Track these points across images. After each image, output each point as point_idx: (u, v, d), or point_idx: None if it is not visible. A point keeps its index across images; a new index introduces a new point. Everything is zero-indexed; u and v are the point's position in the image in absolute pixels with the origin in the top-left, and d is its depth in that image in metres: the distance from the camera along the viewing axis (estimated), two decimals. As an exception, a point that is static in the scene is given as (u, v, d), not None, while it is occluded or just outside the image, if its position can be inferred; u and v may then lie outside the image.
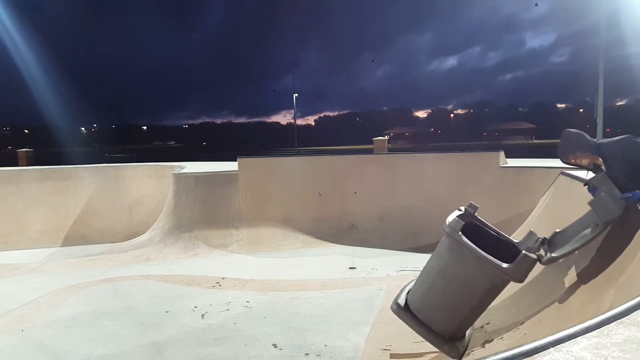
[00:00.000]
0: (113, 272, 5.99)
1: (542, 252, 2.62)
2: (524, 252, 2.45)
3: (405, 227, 7.11)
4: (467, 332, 2.80)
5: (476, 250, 2.48)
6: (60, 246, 8.27)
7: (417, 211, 7.18)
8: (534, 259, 2.45)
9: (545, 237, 2.66)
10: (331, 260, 6.32)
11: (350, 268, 5.89)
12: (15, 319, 4.35)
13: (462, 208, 2.82)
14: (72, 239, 8.47)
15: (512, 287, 3.48)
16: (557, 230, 2.70)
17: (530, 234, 2.66)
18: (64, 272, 6.12)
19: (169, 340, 3.77)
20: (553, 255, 2.54)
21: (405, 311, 2.76)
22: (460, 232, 2.55)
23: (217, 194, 7.55)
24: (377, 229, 7.28)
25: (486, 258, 2.43)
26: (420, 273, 2.88)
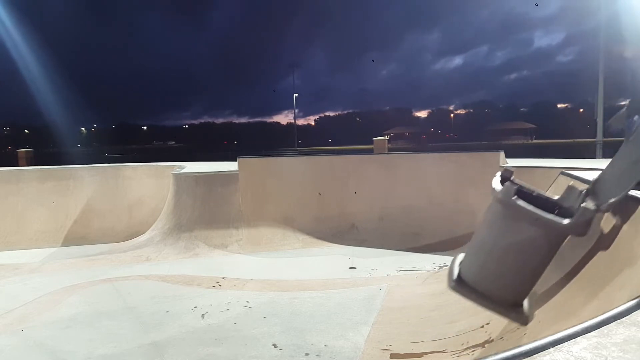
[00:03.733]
0: (113, 272, 5.99)
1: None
2: (583, 205, 2.39)
3: (405, 227, 7.12)
4: (525, 301, 2.72)
5: (534, 212, 2.35)
6: (60, 246, 8.28)
7: (417, 211, 7.19)
8: (593, 210, 2.38)
9: (587, 188, 2.58)
10: (331, 260, 6.32)
11: (350, 268, 5.89)
12: (15, 319, 4.35)
13: (499, 173, 2.76)
14: (72, 239, 8.48)
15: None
16: (593, 179, 2.63)
17: (571, 188, 2.53)
18: (64, 272, 6.12)
19: (169, 340, 3.77)
20: (611, 200, 2.47)
21: (465, 287, 2.69)
22: (515, 196, 2.48)
23: (217, 194, 7.55)
24: (377, 229, 7.28)
25: (546, 218, 2.34)
26: (469, 247, 2.78)
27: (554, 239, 2.43)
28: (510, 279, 2.57)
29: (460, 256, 2.89)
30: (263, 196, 7.66)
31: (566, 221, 2.33)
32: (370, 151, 12.09)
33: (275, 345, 3.57)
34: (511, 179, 2.71)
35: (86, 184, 9.20)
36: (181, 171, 8.12)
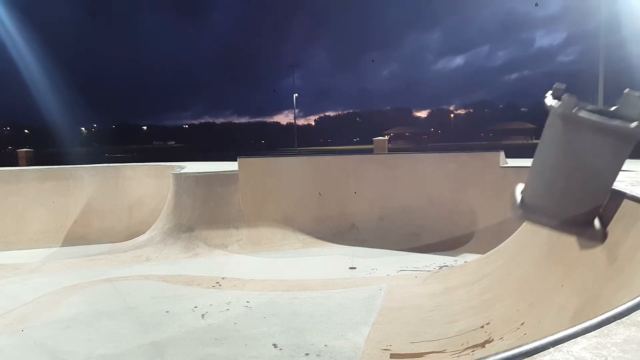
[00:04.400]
0: (113, 272, 5.99)
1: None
2: None
3: (405, 227, 7.12)
4: (597, 220, 2.58)
5: (598, 120, 2.24)
6: (61, 246, 8.28)
7: (417, 211, 7.19)
8: None
9: None
10: (331, 260, 6.32)
11: (350, 268, 5.89)
12: (15, 319, 4.35)
13: (550, 92, 2.64)
14: (72, 239, 8.48)
15: (512, 288, 3.48)
16: None
17: (628, 95, 2.34)
18: (64, 272, 6.12)
19: (169, 340, 3.77)
20: None
21: (534, 213, 2.56)
22: (576, 107, 2.31)
23: (217, 194, 7.55)
24: (377, 229, 7.28)
25: (611, 125, 2.21)
26: (531, 173, 2.67)
27: (622, 146, 2.30)
28: (580, 195, 2.45)
29: (520, 185, 2.81)
30: (263, 196, 7.66)
31: (634, 124, 2.19)
32: (370, 151, 12.10)
33: (275, 345, 3.57)
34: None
35: (86, 184, 9.20)
36: (181, 171, 8.12)
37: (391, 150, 12.68)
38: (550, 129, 2.52)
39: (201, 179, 7.67)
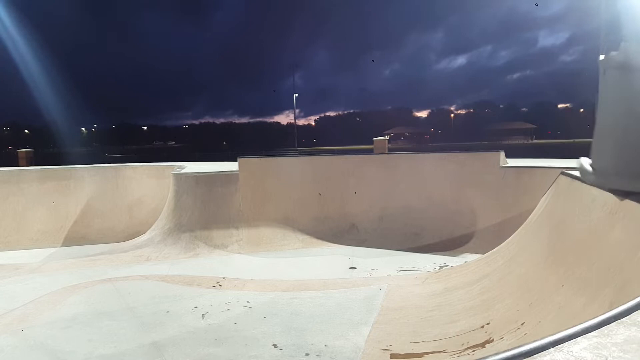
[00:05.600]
0: (113, 272, 5.98)
1: None
2: None
3: (405, 227, 7.12)
4: None
5: None
6: (61, 246, 8.27)
7: (417, 211, 7.19)
8: None
9: None
10: (331, 261, 6.32)
11: (350, 268, 5.89)
12: (15, 318, 4.34)
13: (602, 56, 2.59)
14: (73, 239, 8.48)
15: (512, 288, 3.48)
16: None
17: None
18: (64, 272, 6.11)
19: (170, 340, 3.77)
20: None
21: (609, 176, 2.47)
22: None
23: (218, 194, 7.54)
24: (377, 229, 7.29)
25: None
26: (594, 142, 2.61)
27: None
28: None
29: (584, 159, 2.75)
30: (263, 196, 7.66)
31: None
32: (370, 151, 12.10)
33: (275, 346, 3.57)
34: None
35: (86, 184, 9.20)
36: (181, 171, 8.11)
37: (391, 151, 12.68)
38: (609, 85, 2.46)
39: (201, 179, 7.66)
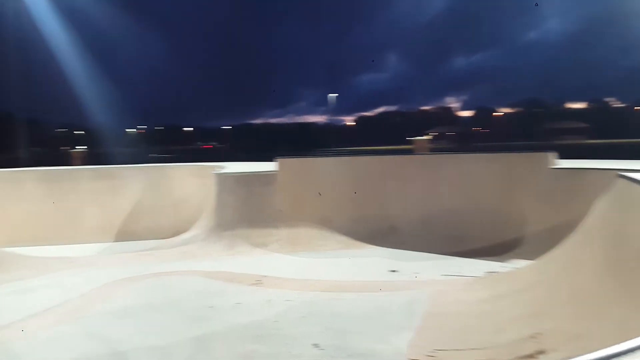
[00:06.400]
0: (160, 267, 6.19)
1: None
2: None
3: (449, 230, 6.93)
4: None
5: None
6: (113, 241, 8.68)
7: (461, 214, 6.98)
8: None
9: None
10: (371, 263, 6.27)
11: (390, 271, 5.81)
12: (72, 308, 4.59)
13: None
14: (123, 235, 8.87)
15: (566, 297, 3.32)
16: None
17: None
18: (115, 266, 6.39)
19: (213, 334, 3.86)
20: None
21: None
22: None
23: (257, 193, 7.65)
24: (418, 231, 7.13)
25: None
26: None
27: None
28: None
29: None
30: (301, 197, 7.69)
31: None
32: (410, 151, 11.89)
33: (316, 345, 3.58)
34: None
35: (135, 183, 9.58)
36: (222, 171, 8.29)
37: (433, 151, 12.38)
38: None
39: (241, 179, 7.80)
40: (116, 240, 8.73)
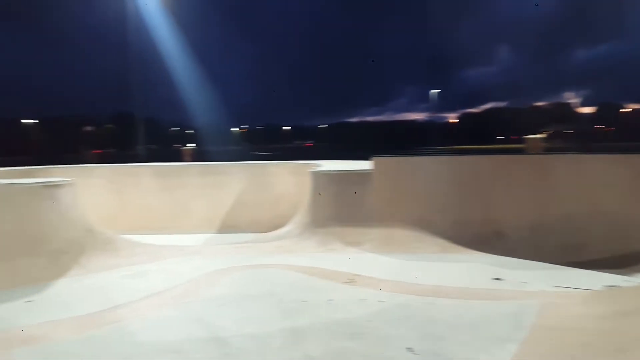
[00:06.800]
0: (258, 259, 6.45)
1: None
2: None
3: (564, 238, 6.23)
4: None
5: None
6: (216, 233, 9.30)
7: (579, 221, 6.24)
8: None
9: None
10: (473, 269, 5.89)
11: (494, 279, 5.40)
12: (179, 293, 4.97)
13: None
14: (225, 227, 9.48)
15: None
16: None
17: None
18: (218, 255, 6.81)
19: (307, 328, 3.91)
20: None
21: None
22: None
23: (352, 192, 7.62)
24: (528, 238, 6.52)
25: None
26: None
27: None
28: None
29: None
30: (398, 196, 7.50)
31: None
32: (520, 151, 11.02)
33: (410, 349, 3.45)
34: None
35: (237, 179, 10.19)
36: (318, 169, 8.41)
37: (547, 150, 11.34)
38: None
39: (336, 177, 7.84)
40: (219, 232, 9.35)
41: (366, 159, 8.33)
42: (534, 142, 10.59)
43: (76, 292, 5.08)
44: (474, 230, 6.94)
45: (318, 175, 8.12)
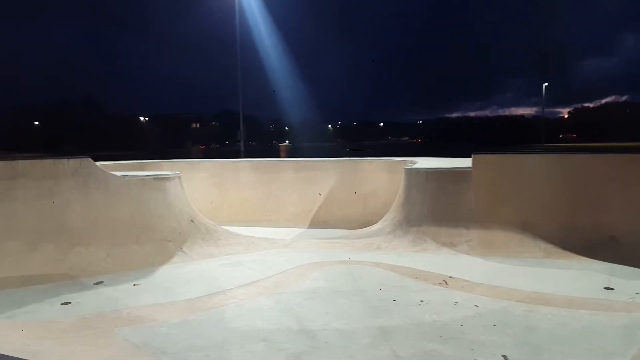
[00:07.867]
0: (348, 255, 6.52)
1: None
2: None
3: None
4: None
5: None
6: (307, 228, 9.58)
7: None
8: None
9: None
10: (580, 276, 5.37)
11: (605, 288, 4.87)
12: (272, 284, 5.21)
13: None
14: (317, 223, 9.72)
15: None
16: None
17: None
18: (309, 250, 7.01)
19: (395, 327, 3.87)
20: None
21: None
22: None
23: (448, 191, 7.34)
24: (646, 245, 5.78)
25: None
26: None
27: None
28: None
29: None
30: (499, 196, 7.05)
31: None
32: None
33: (506, 357, 3.25)
34: None
35: (330, 175, 10.37)
36: (413, 166, 8.23)
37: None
38: None
39: (432, 175, 7.60)
40: (310, 227, 9.61)
41: (466, 156, 7.97)
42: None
43: (178, 278, 5.55)
44: (584, 235, 6.29)
45: (413, 173, 7.95)
